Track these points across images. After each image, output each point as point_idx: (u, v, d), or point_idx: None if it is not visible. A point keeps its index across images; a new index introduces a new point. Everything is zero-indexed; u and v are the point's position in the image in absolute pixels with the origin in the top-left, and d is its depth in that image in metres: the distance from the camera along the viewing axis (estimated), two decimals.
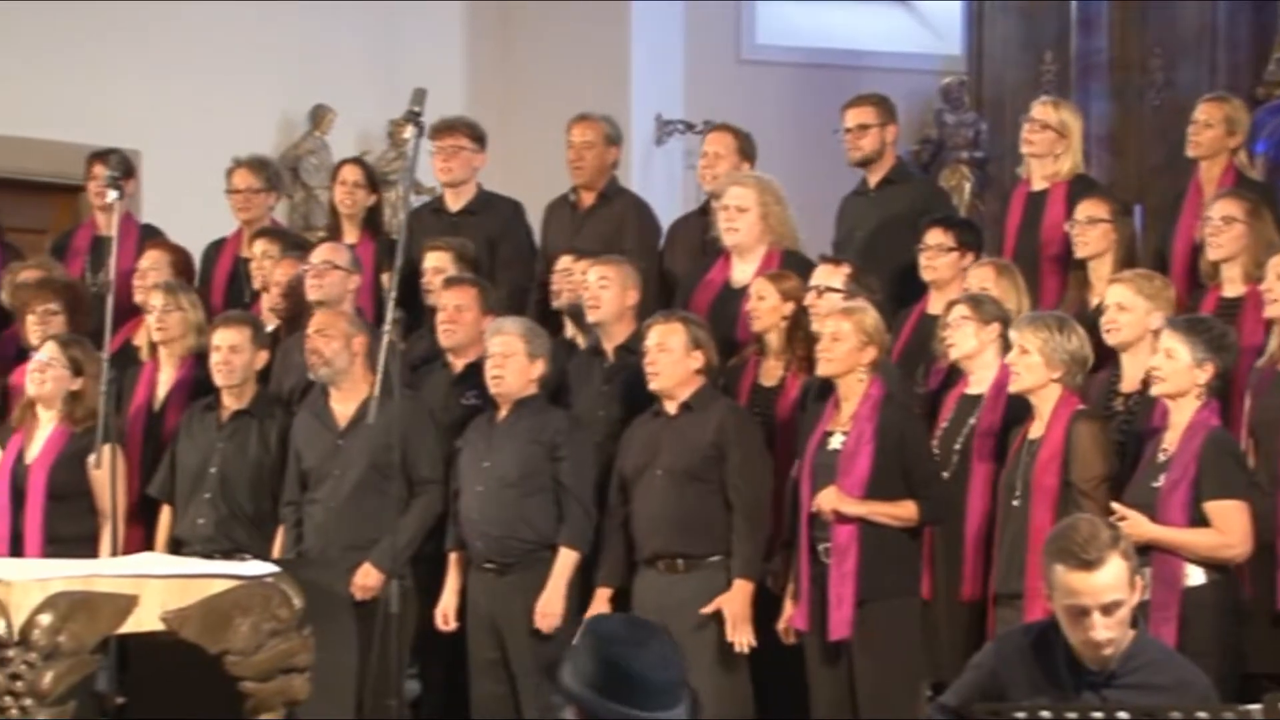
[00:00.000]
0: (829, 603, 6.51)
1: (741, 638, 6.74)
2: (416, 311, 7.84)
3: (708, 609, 6.75)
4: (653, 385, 6.95)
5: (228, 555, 7.12)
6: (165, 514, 7.58)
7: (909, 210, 7.85)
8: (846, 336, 6.63)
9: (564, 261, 7.78)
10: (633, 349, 7.33)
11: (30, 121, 10.17)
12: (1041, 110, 7.81)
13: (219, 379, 7.48)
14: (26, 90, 10.19)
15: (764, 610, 6.81)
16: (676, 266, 8.16)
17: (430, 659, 7.44)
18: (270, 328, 7.97)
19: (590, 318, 7.44)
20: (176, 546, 7.39)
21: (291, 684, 6.01)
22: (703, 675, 6.76)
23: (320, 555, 7.17)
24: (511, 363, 7.13)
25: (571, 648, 3.73)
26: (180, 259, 8.36)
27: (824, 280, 7.15)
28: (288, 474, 7.37)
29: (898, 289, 7.49)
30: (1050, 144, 7.71)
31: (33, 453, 7.40)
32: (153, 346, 7.93)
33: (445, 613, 7.18)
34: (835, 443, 6.65)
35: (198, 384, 7.77)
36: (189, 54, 10.85)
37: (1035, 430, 6.41)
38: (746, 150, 8.18)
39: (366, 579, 7.03)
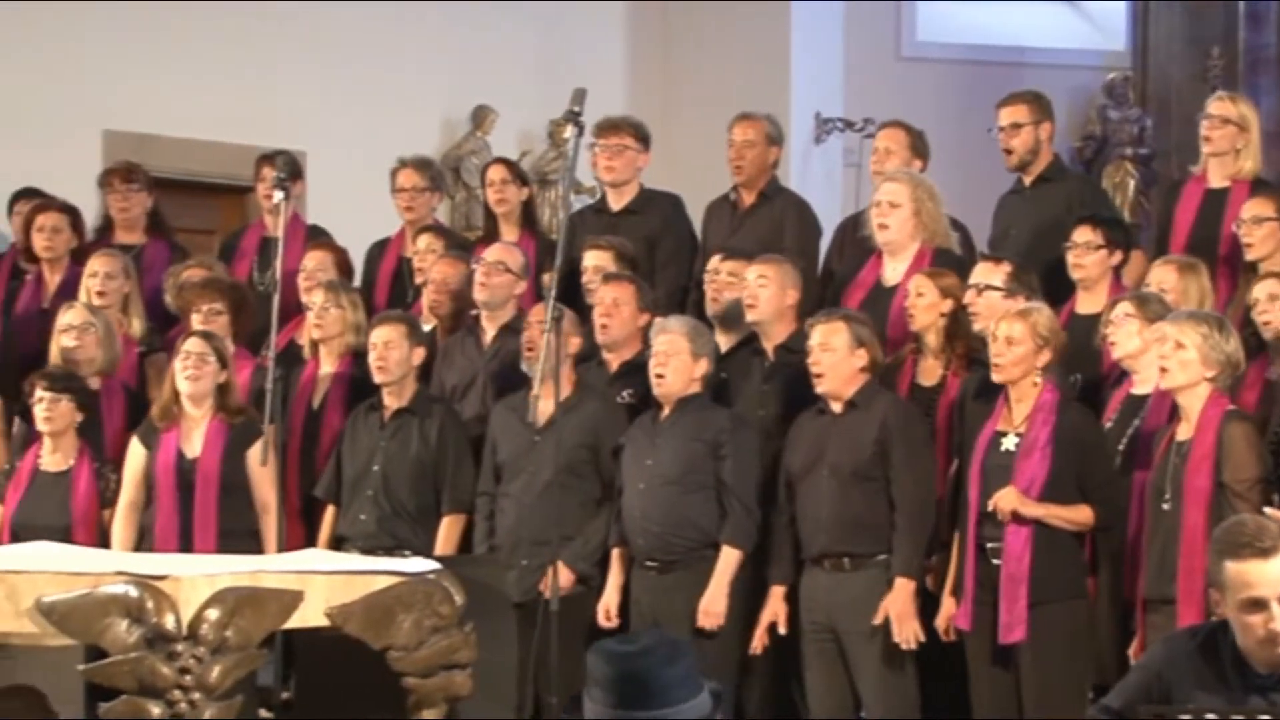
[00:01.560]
0: (999, 604, 6.47)
1: (908, 634, 6.69)
2: (577, 312, 7.86)
3: (878, 619, 6.71)
4: (819, 387, 6.92)
5: (389, 552, 7.20)
6: (329, 514, 7.67)
7: (1065, 208, 7.76)
8: (1021, 339, 6.56)
9: (713, 262, 7.77)
10: (793, 348, 7.31)
11: (200, 124, 10.34)
12: (1220, 105, 7.68)
13: (377, 376, 7.56)
14: (196, 93, 10.35)
15: (923, 609, 6.77)
16: (843, 266, 8.12)
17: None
18: (428, 327, 8.03)
19: (749, 316, 7.42)
20: (338, 544, 7.48)
21: (453, 680, 6.04)
22: (869, 676, 6.75)
23: (495, 553, 7.23)
24: (675, 361, 7.14)
25: (588, 677, 3.74)
26: (342, 259, 8.45)
27: (984, 278, 7.08)
28: (483, 465, 7.45)
29: (1053, 288, 7.41)
30: (1231, 139, 7.58)
31: (195, 447, 7.49)
32: (314, 345, 8.03)
33: (607, 609, 7.21)
34: (1008, 444, 6.58)
35: (356, 382, 7.85)
36: (354, 56, 10.98)
37: (1183, 432, 6.30)
38: (918, 148, 8.12)
39: (560, 579, 7.05)
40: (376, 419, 7.61)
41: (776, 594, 6.98)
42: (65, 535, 7.33)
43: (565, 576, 7.06)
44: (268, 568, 5.71)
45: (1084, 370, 7.07)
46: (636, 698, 3.65)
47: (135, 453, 7.55)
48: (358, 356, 7.82)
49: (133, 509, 7.52)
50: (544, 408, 7.14)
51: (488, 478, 7.45)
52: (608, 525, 7.26)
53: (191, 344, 7.51)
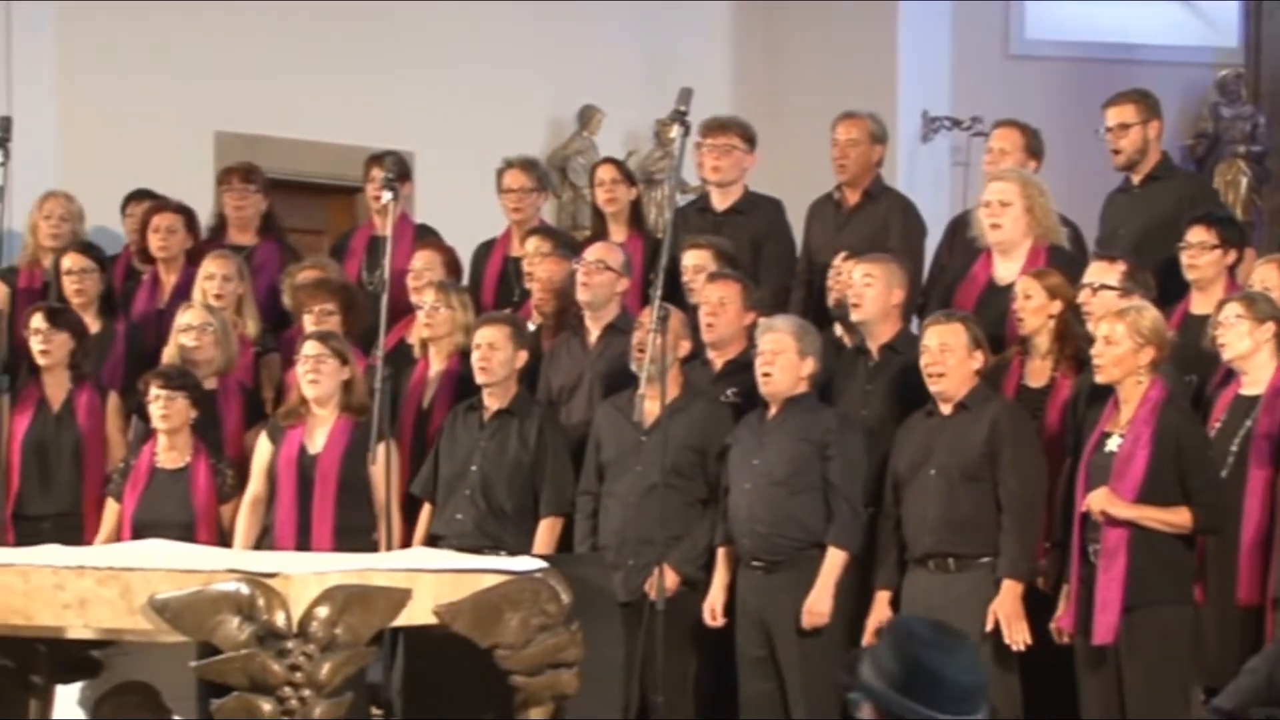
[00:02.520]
0: (1095, 606, 6.42)
1: (1017, 636, 6.66)
2: (683, 310, 7.85)
3: (989, 624, 6.67)
4: (935, 387, 6.88)
5: (486, 553, 7.20)
6: (425, 511, 7.71)
7: (1175, 207, 7.68)
8: (1120, 339, 6.52)
9: (836, 260, 7.74)
10: (897, 348, 7.29)
11: (309, 125, 10.41)
12: None
13: (479, 377, 7.59)
14: (306, 95, 10.43)
15: (1036, 610, 6.73)
16: (952, 265, 8.08)
17: (699, 655, 7.46)
18: (533, 327, 8.06)
19: (853, 316, 7.40)
20: (433, 543, 7.51)
21: (560, 679, 6.06)
22: None
23: (600, 553, 7.25)
24: (782, 360, 7.13)
25: (873, 645, 3.69)
26: (451, 259, 8.49)
27: (1098, 278, 7.03)
28: (585, 463, 7.47)
29: (1163, 287, 7.34)
30: None
31: (317, 444, 7.57)
32: (424, 344, 8.08)
33: (713, 608, 7.21)
34: (1112, 444, 6.54)
35: (464, 382, 7.88)
36: (462, 57, 11.02)
37: None
38: (1033, 147, 8.06)
39: (666, 580, 7.07)
40: (476, 419, 7.64)
41: (882, 599, 6.96)
42: (187, 531, 7.44)
43: (671, 578, 7.06)
44: (377, 566, 5.75)
45: (1201, 371, 7.00)
46: (927, 694, 3.60)
47: (262, 447, 7.66)
48: (467, 356, 7.86)
49: (256, 504, 7.62)
50: (651, 408, 7.15)
51: (590, 477, 7.47)
52: (713, 527, 7.26)
53: (309, 347, 7.60)
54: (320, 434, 7.59)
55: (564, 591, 6.00)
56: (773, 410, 7.18)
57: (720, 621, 7.19)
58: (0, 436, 7.74)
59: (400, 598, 5.53)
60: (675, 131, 6.81)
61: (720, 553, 7.24)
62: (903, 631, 3.65)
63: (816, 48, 11.93)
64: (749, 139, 8.41)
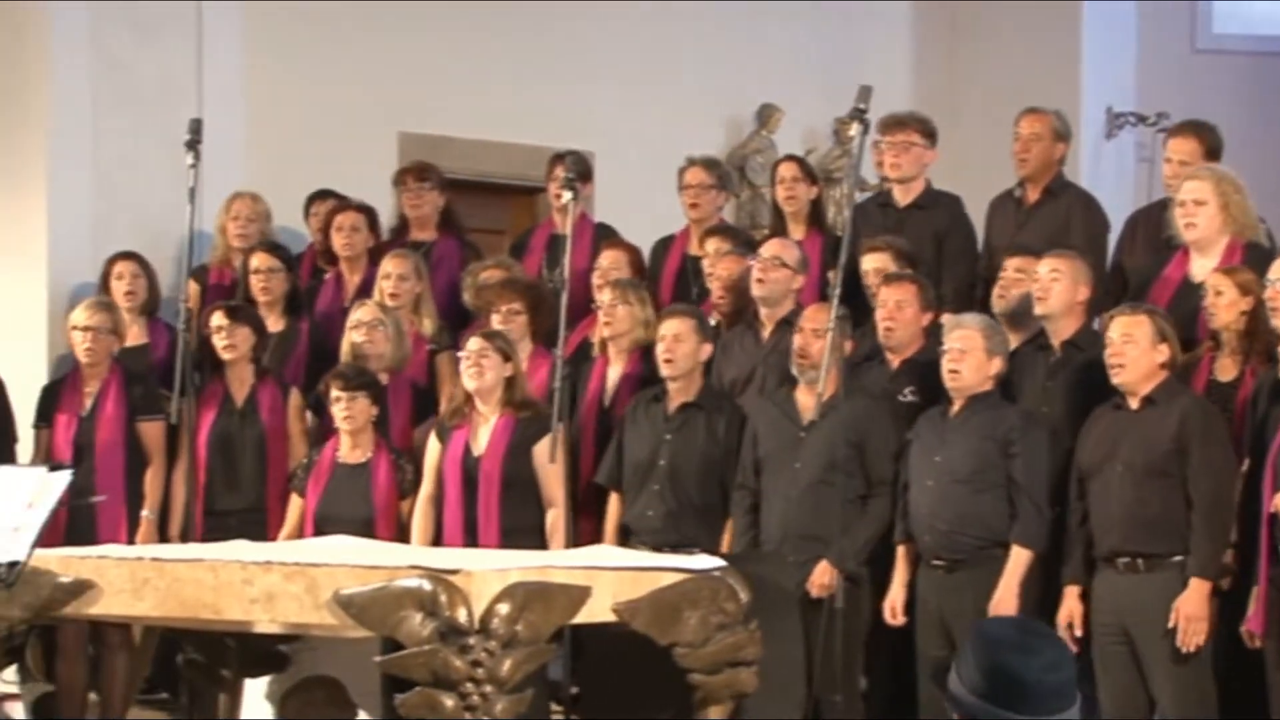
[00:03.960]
0: None
1: (1193, 638, 6.56)
2: (859, 309, 7.83)
3: (1172, 622, 6.59)
4: (1117, 379, 6.80)
5: (676, 548, 7.24)
6: (614, 502, 7.75)
7: None
8: None
9: (1015, 262, 7.66)
10: (1080, 345, 7.21)
11: (491, 125, 10.50)
12: None
13: (664, 369, 7.62)
14: (487, 95, 10.51)
15: (1229, 611, 6.63)
16: (1135, 260, 7.97)
17: (878, 654, 7.44)
18: (713, 322, 8.07)
19: (1038, 310, 7.32)
20: (625, 535, 7.55)
21: (739, 677, 6.07)
22: (1164, 677, 6.63)
23: (773, 549, 7.23)
24: (969, 358, 7.09)
25: (959, 653, 3.69)
26: (636, 258, 8.53)
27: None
28: (742, 458, 7.47)
29: None
30: None
31: (480, 445, 7.62)
32: (604, 342, 8.12)
33: (893, 606, 7.18)
34: None
35: (645, 378, 7.91)
36: (641, 56, 11.06)
37: None
38: (1210, 147, 7.86)
39: (823, 576, 7.08)
40: (660, 411, 7.66)
41: (1071, 594, 6.87)
42: (367, 526, 7.54)
43: (833, 575, 7.07)
44: (556, 563, 5.78)
45: None
46: (1011, 699, 3.57)
47: (433, 447, 7.73)
48: (646, 352, 7.89)
49: (431, 503, 7.70)
50: (810, 403, 7.14)
51: (747, 471, 7.46)
52: (876, 523, 7.22)
53: (471, 343, 7.66)
54: (483, 434, 7.64)
55: (742, 590, 6.00)
56: (956, 407, 7.14)
57: (901, 620, 7.16)
58: (189, 435, 7.88)
59: (580, 595, 5.56)
60: (854, 129, 6.78)
61: (900, 550, 7.20)
62: (984, 637, 3.63)
63: (999, 43, 11.83)
64: (929, 134, 8.36)
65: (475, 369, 7.61)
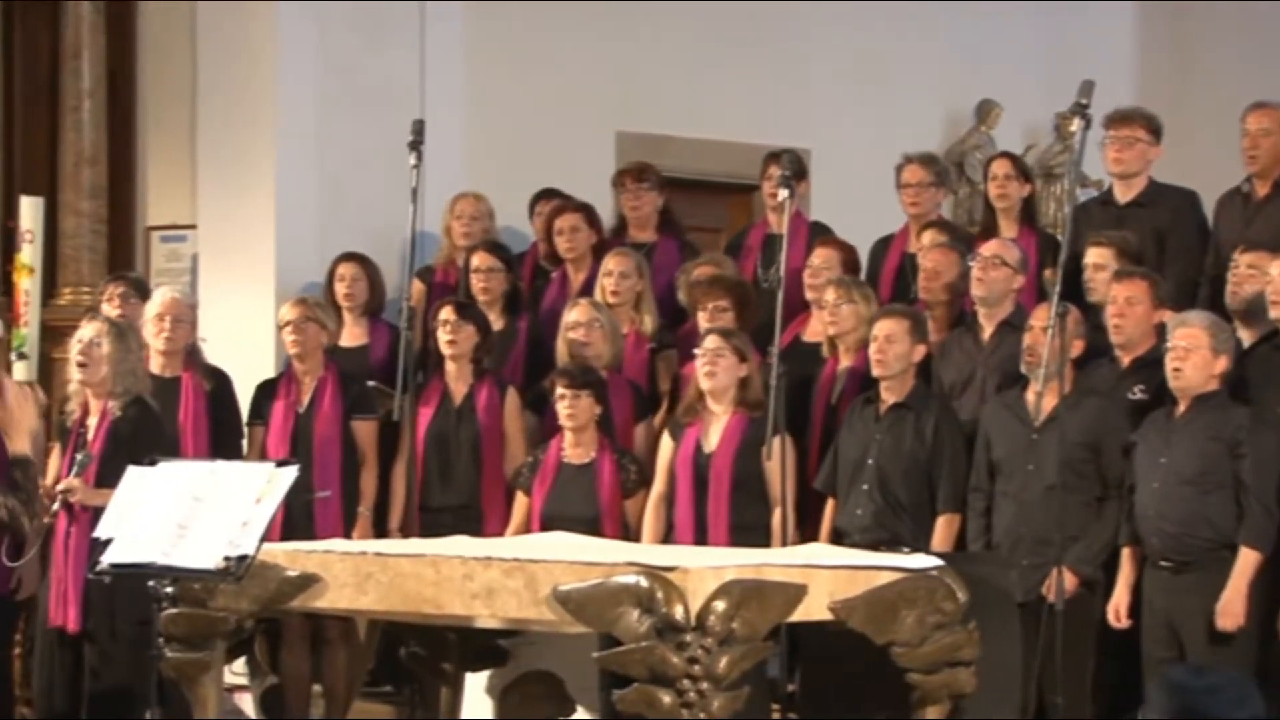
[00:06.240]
0: None
1: None
2: (1080, 308, 7.73)
3: None
4: None
5: (886, 546, 7.20)
6: (829, 506, 7.74)
7: None
8: None
9: (1234, 254, 7.54)
10: None
11: (708, 123, 10.53)
12: None
13: (875, 369, 7.58)
14: (704, 94, 10.55)
15: None
16: None
17: (1100, 656, 7.34)
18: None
19: (1272, 313, 7.18)
20: (837, 537, 7.54)
21: (957, 677, 6.04)
22: None
23: (997, 551, 7.18)
24: (1194, 356, 6.97)
25: (1146, 703, 3.68)
26: (849, 257, 8.49)
27: None
28: (975, 460, 7.42)
29: None
30: None
31: (712, 443, 7.65)
32: (831, 342, 8.09)
33: (1118, 609, 7.09)
34: None
35: (871, 376, 7.87)
36: (858, 53, 11.03)
37: None
38: None
39: (1065, 581, 6.98)
40: (872, 412, 7.64)
41: None
42: (592, 525, 7.59)
43: (1069, 579, 6.96)
44: (772, 561, 5.80)
45: None
46: None
47: (665, 445, 7.79)
48: None
49: (662, 501, 7.75)
50: (1043, 405, 7.07)
51: (981, 474, 7.40)
52: (1112, 526, 7.14)
53: (709, 341, 7.69)
54: (715, 431, 7.67)
55: (960, 590, 5.97)
56: (1181, 407, 7.03)
57: (1126, 623, 7.06)
58: (409, 432, 7.99)
59: (796, 593, 5.57)
60: (1075, 125, 6.71)
61: (1125, 552, 7.10)
62: (1168, 684, 3.63)
63: (1225, 38, 11.64)
64: (1154, 130, 8.24)
65: (710, 367, 7.64)
